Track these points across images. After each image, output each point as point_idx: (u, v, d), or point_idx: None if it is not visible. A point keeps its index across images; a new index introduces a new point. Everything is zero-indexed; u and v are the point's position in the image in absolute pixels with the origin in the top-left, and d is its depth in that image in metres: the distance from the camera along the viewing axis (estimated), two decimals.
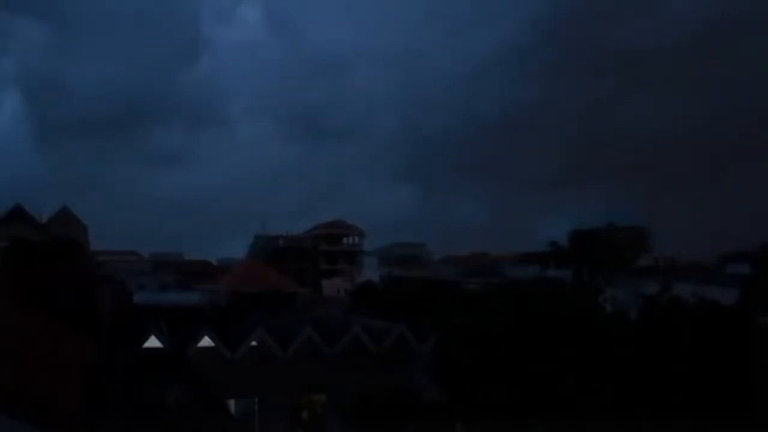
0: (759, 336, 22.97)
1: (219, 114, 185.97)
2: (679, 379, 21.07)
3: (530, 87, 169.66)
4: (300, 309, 43.04)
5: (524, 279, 25.54)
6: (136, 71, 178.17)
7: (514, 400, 19.91)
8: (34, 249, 26.13)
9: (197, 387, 19.49)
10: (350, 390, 26.66)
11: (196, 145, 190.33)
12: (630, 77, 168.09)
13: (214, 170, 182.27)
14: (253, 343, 26.64)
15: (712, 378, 21.28)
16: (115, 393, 16.66)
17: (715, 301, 24.43)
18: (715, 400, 21.02)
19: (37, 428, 8.69)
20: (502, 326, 20.95)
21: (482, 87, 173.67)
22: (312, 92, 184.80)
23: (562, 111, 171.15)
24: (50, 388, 11.63)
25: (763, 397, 22.07)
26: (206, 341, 26.03)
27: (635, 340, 21.68)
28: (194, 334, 26.38)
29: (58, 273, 23.02)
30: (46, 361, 13.49)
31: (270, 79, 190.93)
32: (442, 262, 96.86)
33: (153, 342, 24.44)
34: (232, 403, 24.61)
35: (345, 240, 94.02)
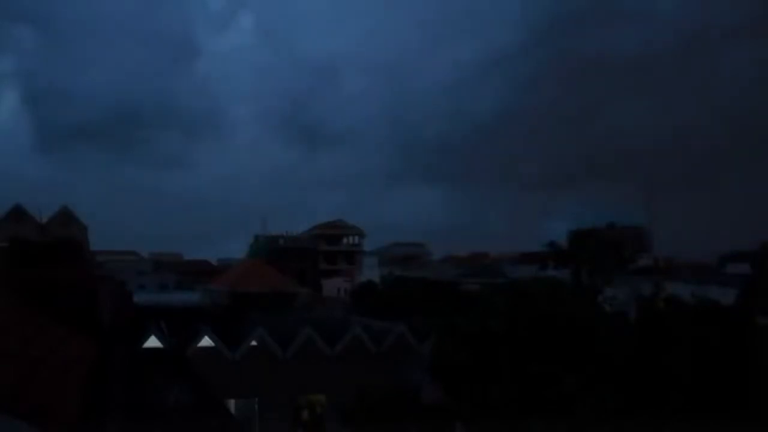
0: (759, 336, 22.96)
1: (217, 119, 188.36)
2: (678, 379, 21.08)
3: (522, 91, 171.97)
4: (300, 309, 43.06)
5: (524, 279, 25.51)
6: (138, 78, 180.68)
7: (513, 400, 19.91)
8: (34, 249, 26.13)
9: (197, 387, 19.47)
10: (350, 390, 26.69)
11: (195, 149, 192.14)
12: (626, 81, 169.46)
13: (213, 172, 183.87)
14: (253, 343, 26.66)
15: (712, 378, 21.28)
16: (114, 393, 16.66)
17: (715, 300, 24.42)
18: (715, 401, 21.02)
19: (37, 428, 8.70)
20: (501, 326, 20.93)
21: (475, 92, 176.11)
22: (307, 98, 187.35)
23: (557, 114, 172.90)
24: (50, 388, 11.64)
25: (763, 397, 22.06)
26: (206, 341, 26.04)
27: (634, 340, 21.67)
28: (194, 334, 26.39)
29: (58, 273, 23.01)
30: (45, 361, 13.50)
31: (266, 85, 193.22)
32: (442, 262, 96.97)
33: (153, 342, 24.46)
34: (232, 403, 24.61)
35: (345, 240, 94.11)
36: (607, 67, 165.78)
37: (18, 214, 66.79)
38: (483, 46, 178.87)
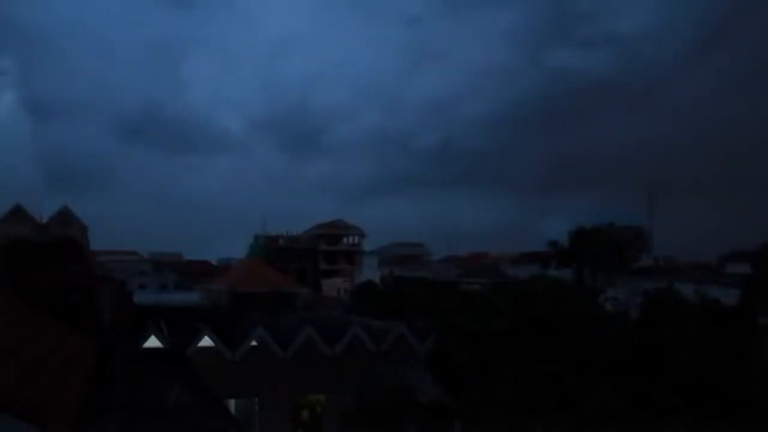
0: (760, 336, 22.93)
1: (218, 123, 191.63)
2: (679, 379, 21.05)
3: (515, 101, 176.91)
4: (300, 309, 43.01)
5: (525, 278, 25.46)
6: (143, 85, 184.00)
7: (514, 400, 19.88)
8: (34, 249, 26.10)
9: (197, 387, 19.45)
10: (350, 390, 26.65)
11: (196, 151, 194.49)
12: (617, 92, 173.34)
13: (213, 174, 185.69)
14: (253, 343, 26.60)
15: (713, 379, 21.25)
16: (114, 393, 16.64)
17: (715, 300, 24.39)
18: (716, 401, 21.00)
19: (37, 428, 8.67)
20: (502, 326, 20.90)
21: (468, 102, 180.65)
22: (307, 106, 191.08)
23: (553, 122, 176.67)
24: (50, 388, 11.61)
25: (764, 397, 22.03)
26: (206, 341, 25.97)
27: (636, 340, 21.64)
28: (194, 334, 26.34)
29: (58, 273, 23.00)
30: (45, 361, 13.47)
31: (265, 94, 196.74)
32: (442, 262, 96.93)
33: (153, 342, 24.42)
34: (232, 403, 24.58)
35: (345, 240, 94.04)
36: (592, 81, 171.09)
37: (18, 214, 66.78)
38: (473, 60, 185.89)
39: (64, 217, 68.76)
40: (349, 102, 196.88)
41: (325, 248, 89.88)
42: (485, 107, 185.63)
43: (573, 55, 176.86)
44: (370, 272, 67.68)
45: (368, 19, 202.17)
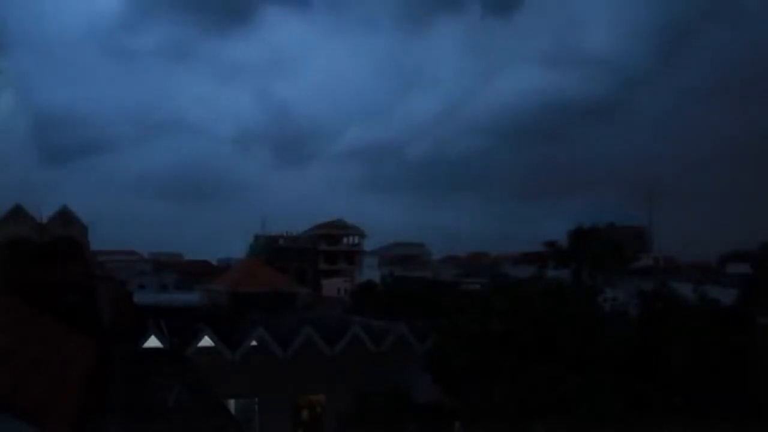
0: (760, 336, 22.94)
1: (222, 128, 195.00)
2: (678, 379, 21.05)
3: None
4: (300, 309, 43.03)
5: (524, 279, 25.46)
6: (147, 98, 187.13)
7: (513, 400, 19.88)
8: (34, 249, 26.13)
9: (197, 387, 19.45)
10: (350, 390, 26.67)
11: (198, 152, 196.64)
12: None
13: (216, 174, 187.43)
14: (253, 343, 26.63)
15: (713, 378, 21.25)
16: (114, 393, 16.65)
17: (715, 300, 24.39)
18: (716, 401, 21.01)
19: (37, 428, 8.68)
20: (501, 326, 20.91)
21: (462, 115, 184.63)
22: (308, 116, 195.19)
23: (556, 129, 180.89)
24: (50, 388, 11.62)
25: (764, 397, 22.03)
26: (206, 341, 26.01)
27: (635, 340, 21.65)
28: (194, 334, 26.37)
29: (58, 273, 23.00)
30: (45, 361, 13.49)
31: (265, 105, 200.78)
32: (442, 262, 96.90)
33: (153, 342, 24.45)
34: (232, 403, 24.60)
35: (345, 240, 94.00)
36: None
37: (18, 214, 66.82)
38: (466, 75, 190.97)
39: (64, 217, 68.79)
40: (348, 110, 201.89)
41: (325, 248, 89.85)
42: (483, 115, 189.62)
43: (567, 67, 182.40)
44: (370, 272, 67.62)
45: (365, 31, 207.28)
